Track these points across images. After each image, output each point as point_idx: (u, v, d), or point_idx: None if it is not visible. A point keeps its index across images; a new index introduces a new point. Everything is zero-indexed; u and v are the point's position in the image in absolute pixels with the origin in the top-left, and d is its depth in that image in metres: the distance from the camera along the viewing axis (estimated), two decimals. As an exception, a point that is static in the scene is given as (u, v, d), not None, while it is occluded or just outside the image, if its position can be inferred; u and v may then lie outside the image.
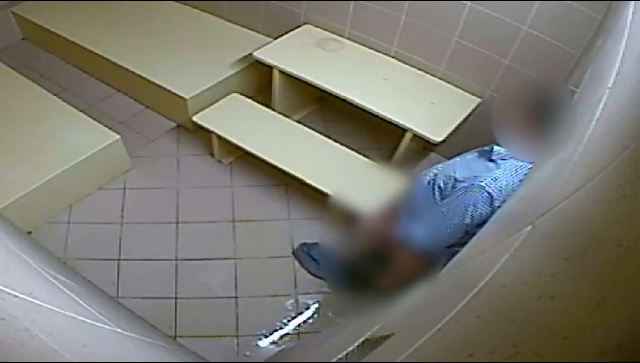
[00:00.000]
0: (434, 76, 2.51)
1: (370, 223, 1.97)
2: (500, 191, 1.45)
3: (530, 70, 2.17)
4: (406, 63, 2.57)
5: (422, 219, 1.63)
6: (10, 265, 0.85)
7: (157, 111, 2.93)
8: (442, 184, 1.63)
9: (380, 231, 1.86)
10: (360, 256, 2.14)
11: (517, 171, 1.47)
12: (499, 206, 1.45)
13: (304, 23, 2.84)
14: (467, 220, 1.49)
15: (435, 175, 1.68)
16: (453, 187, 1.57)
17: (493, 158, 1.52)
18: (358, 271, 2.09)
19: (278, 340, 1.97)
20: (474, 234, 1.54)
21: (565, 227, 0.58)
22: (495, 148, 1.51)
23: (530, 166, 1.44)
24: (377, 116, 2.27)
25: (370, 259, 2.03)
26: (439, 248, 1.58)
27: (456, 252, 1.59)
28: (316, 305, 2.09)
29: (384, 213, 1.94)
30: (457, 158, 1.70)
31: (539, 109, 1.34)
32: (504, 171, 1.48)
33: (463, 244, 1.57)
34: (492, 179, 1.46)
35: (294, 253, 2.26)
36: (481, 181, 1.47)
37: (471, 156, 1.65)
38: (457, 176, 1.58)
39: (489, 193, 1.45)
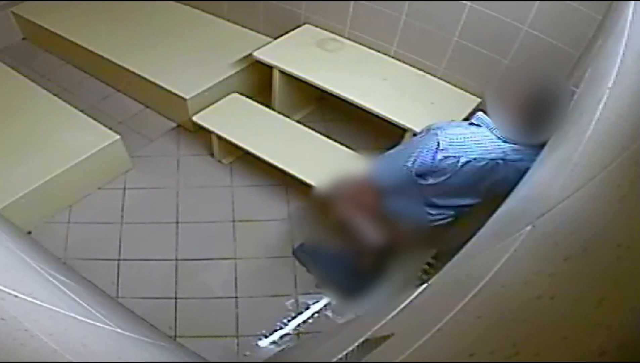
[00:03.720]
0: (434, 76, 2.51)
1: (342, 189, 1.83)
2: (451, 143, 1.45)
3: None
4: (406, 63, 2.57)
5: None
6: (10, 265, 0.85)
7: (157, 111, 2.93)
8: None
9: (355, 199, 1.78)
10: (354, 252, 2.12)
11: (480, 137, 1.46)
12: (440, 160, 1.45)
13: (304, 23, 2.84)
14: (410, 163, 1.49)
15: None
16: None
17: (473, 121, 1.53)
18: (354, 270, 2.09)
19: (278, 340, 1.97)
20: (430, 202, 1.57)
21: (565, 227, 0.58)
22: (479, 113, 1.52)
23: (497, 140, 1.46)
24: (377, 116, 2.27)
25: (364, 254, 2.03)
26: (388, 186, 1.60)
27: (437, 225, 1.61)
28: (316, 305, 2.09)
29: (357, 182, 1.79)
30: None
31: (533, 95, 1.37)
32: (465, 129, 1.49)
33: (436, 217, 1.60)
34: (447, 130, 1.47)
35: (294, 253, 2.26)
36: (437, 129, 1.48)
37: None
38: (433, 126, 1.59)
39: (437, 142, 1.45)
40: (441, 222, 1.65)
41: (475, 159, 1.45)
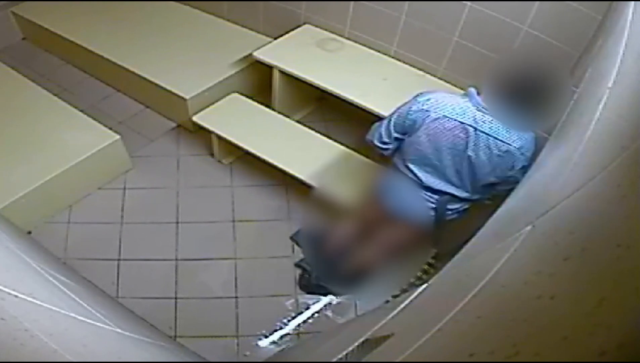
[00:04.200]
0: (434, 76, 2.51)
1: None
2: (428, 100, 1.60)
3: (530, 70, 2.17)
4: (406, 63, 2.57)
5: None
6: (10, 265, 0.85)
7: (157, 111, 2.93)
8: None
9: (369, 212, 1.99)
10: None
11: (459, 103, 1.57)
12: (414, 111, 1.62)
13: (304, 23, 2.84)
14: (393, 116, 1.70)
15: None
16: None
17: (464, 93, 1.65)
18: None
19: (278, 340, 1.97)
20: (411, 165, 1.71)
21: (565, 227, 0.58)
22: (470, 88, 1.62)
23: (477, 111, 1.55)
24: (377, 116, 2.26)
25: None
26: (381, 142, 1.78)
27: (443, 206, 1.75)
28: (316, 305, 2.09)
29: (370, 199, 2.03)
30: None
31: (531, 83, 1.40)
32: (448, 95, 1.62)
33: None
34: (431, 94, 1.62)
35: (292, 237, 2.28)
36: (422, 93, 1.65)
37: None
38: None
39: (417, 99, 1.63)
40: (437, 206, 1.76)
41: (445, 116, 1.56)
